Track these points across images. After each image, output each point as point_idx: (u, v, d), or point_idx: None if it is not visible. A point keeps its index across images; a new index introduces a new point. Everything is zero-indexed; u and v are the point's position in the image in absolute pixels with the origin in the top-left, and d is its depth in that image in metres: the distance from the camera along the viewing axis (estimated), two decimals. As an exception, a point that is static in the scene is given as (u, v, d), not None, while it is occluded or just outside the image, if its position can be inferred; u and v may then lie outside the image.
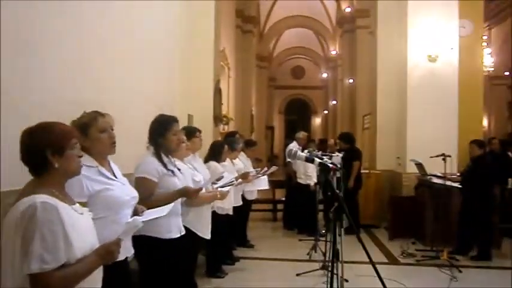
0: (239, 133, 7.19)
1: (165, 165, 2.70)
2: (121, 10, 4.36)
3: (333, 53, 19.23)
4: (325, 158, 4.30)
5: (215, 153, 4.66)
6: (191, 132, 4.00)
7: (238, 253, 5.73)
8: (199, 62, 7.52)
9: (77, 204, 1.74)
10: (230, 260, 5.22)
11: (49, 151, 1.58)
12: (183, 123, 6.33)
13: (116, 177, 2.16)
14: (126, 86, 4.42)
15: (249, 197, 5.84)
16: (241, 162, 5.68)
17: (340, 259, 3.07)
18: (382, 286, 4.48)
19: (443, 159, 5.33)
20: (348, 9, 14.06)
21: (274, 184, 8.58)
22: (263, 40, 19.97)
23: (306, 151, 6.39)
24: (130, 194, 2.17)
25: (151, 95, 5.23)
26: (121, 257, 2.09)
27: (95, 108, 3.47)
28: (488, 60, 10.89)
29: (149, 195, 2.61)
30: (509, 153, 7.92)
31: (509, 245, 6.01)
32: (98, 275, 1.72)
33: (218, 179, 3.05)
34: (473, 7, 7.86)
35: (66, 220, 1.53)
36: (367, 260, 5.57)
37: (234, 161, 5.39)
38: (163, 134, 2.76)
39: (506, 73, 18.51)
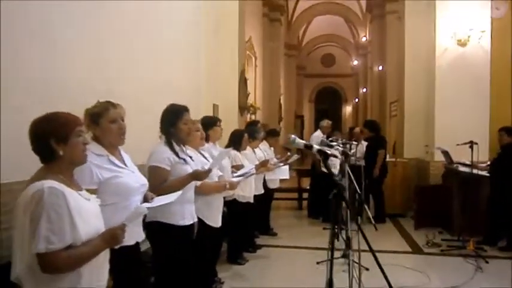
0: (262, 122, 7.22)
1: (176, 154, 2.77)
2: (148, 2, 4.46)
3: (363, 39, 18.79)
4: (337, 146, 4.29)
5: (235, 142, 4.72)
6: (211, 122, 4.06)
7: (261, 241, 5.80)
8: (225, 52, 7.58)
9: (84, 191, 1.82)
10: (252, 247, 5.29)
11: (53, 139, 1.66)
12: (208, 112, 6.47)
13: (126, 166, 2.24)
14: (152, 77, 4.55)
15: (271, 185, 5.88)
16: (263, 151, 5.70)
17: (353, 247, 3.02)
18: (405, 275, 4.46)
19: (471, 147, 5.17)
20: (378, -6, 13.68)
21: (299, 173, 8.59)
22: (292, 28, 19.75)
23: (329, 139, 6.40)
24: (140, 182, 2.24)
25: (177, 85, 5.34)
26: (130, 242, 2.19)
27: (123, 100, 3.63)
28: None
29: (161, 182, 2.69)
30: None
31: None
32: (104, 257, 1.80)
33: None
34: (508, -13, 7.50)
35: (72, 204, 1.62)
36: (390, 249, 5.56)
37: (255, 149, 5.43)
38: (174, 123, 2.82)
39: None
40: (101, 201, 1.95)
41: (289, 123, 18.90)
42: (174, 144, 2.81)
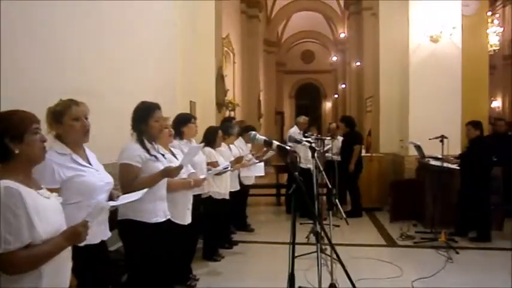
0: (239, 119, 7.21)
1: (148, 151, 2.76)
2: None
3: (342, 35, 18.96)
4: (307, 141, 4.33)
5: (209, 139, 4.71)
6: (185, 119, 4.05)
7: (238, 237, 5.82)
8: (201, 48, 7.56)
9: (44, 189, 1.80)
10: (228, 243, 5.31)
11: (8, 138, 1.63)
12: (185, 109, 6.45)
13: (90, 164, 2.22)
14: (126, 74, 4.52)
15: (246, 182, 5.89)
16: (238, 147, 5.71)
17: (321, 241, 3.06)
18: (379, 267, 4.54)
19: (441, 141, 5.29)
20: (355, -9, 13.82)
21: (277, 169, 8.63)
22: (271, 25, 19.78)
23: (305, 135, 6.45)
24: (105, 180, 2.23)
25: (152, 82, 5.31)
26: (95, 240, 2.18)
27: (96, 99, 3.60)
28: (494, 39, 10.59)
29: (133, 179, 2.68)
30: (514, 134, 7.80)
31: (511, 226, 5.96)
32: (66, 256, 1.78)
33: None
34: (477, -16, 7.68)
35: (29, 204, 1.59)
36: (365, 242, 5.64)
37: (230, 146, 5.44)
38: (145, 121, 2.81)
39: (521, 52, 18.07)
40: (64, 200, 1.93)
41: (269, 120, 18.96)
42: (146, 141, 2.80)
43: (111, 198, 2.26)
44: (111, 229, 2.44)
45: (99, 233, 2.20)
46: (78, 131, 2.17)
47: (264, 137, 2.46)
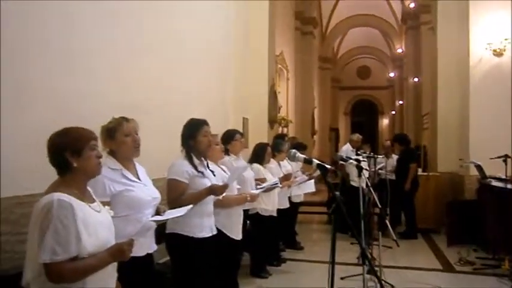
0: (291, 135, 7.21)
1: (195, 167, 2.85)
2: (177, 14, 4.65)
3: (399, 51, 18.49)
4: (356, 159, 4.24)
5: (258, 155, 4.77)
6: (229, 136, 4.12)
7: (287, 255, 5.77)
8: (254, 65, 7.69)
9: (96, 203, 1.91)
10: (276, 261, 5.28)
11: (68, 152, 1.76)
12: (237, 125, 6.57)
13: (139, 179, 2.33)
14: (179, 90, 4.71)
15: (295, 199, 5.86)
16: (290, 164, 5.70)
17: (371, 263, 2.97)
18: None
19: (505, 161, 4.97)
20: (412, 5, 13.47)
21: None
22: (326, 41, 19.72)
23: (357, 152, 6.33)
24: (152, 195, 2.33)
25: (205, 98, 5.49)
26: (141, 253, 2.27)
27: (149, 114, 3.80)
28: None
29: (180, 195, 2.78)
30: None
31: None
32: (112, 268, 1.87)
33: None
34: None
35: (79, 216, 1.69)
36: (420, 266, 5.39)
37: (281, 162, 5.45)
38: (193, 136, 2.90)
39: None
40: (114, 213, 2.04)
41: (323, 136, 18.77)
42: (194, 157, 2.88)
43: (157, 212, 2.35)
44: (159, 242, 2.53)
45: (145, 245, 2.29)
46: (129, 146, 2.30)
47: (304, 156, 2.46)
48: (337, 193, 2.16)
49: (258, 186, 4.01)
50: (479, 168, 5.56)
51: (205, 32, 5.51)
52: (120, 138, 2.29)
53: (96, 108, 3.04)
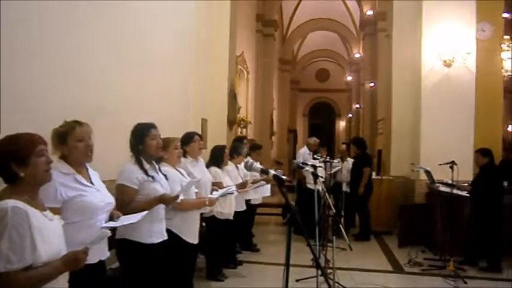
0: (249, 138, 7.25)
1: (145, 172, 2.79)
2: (136, 15, 4.53)
3: (357, 56, 19.01)
4: (312, 165, 4.33)
5: (216, 158, 4.75)
6: (187, 139, 4.07)
7: (243, 257, 5.79)
8: (214, 66, 7.64)
9: (48, 211, 1.84)
10: (233, 263, 5.28)
11: (13, 162, 1.69)
12: (196, 127, 6.50)
13: (92, 184, 2.26)
14: (138, 91, 4.59)
15: (254, 201, 5.88)
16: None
17: (324, 270, 3.03)
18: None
19: (451, 167, 5.22)
20: (370, 12, 13.90)
21: (286, 188, 8.60)
22: (286, 43, 19.97)
23: (314, 156, 6.44)
24: (106, 200, 2.26)
25: (165, 99, 5.39)
26: (93, 260, 2.20)
27: (108, 115, 3.68)
28: (509, 64, 10.46)
29: (129, 202, 2.71)
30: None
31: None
32: (63, 278, 1.81)
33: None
34: (493, 9, 7.61)
35: (34, 224, 1.64)
36: (372, 267, 5.55)
37: (239, 165, 5.45)
38: (141, 140, 2.85)
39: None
40: (65, 219, 1.97)
41: (282, 137, 18.99)
42: (144, 162, 2.82)
43: (111, 218, 2.29)
44: (110, 248, 2.46)
45: (97, 252, 2.22)
46: (82, 152, 2.22)
47: (260, 166, 2.48)
48: (293, 203, 2.19)
49: (215, 192, 3.99)
50: (428, 173, 5.80)
51: (166, 33, 5.42)
52: (72, 143, 2.20)
53: (53, 109, 2.91)
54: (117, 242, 2.73)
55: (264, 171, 2.39)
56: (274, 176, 2.23)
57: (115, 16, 4.08)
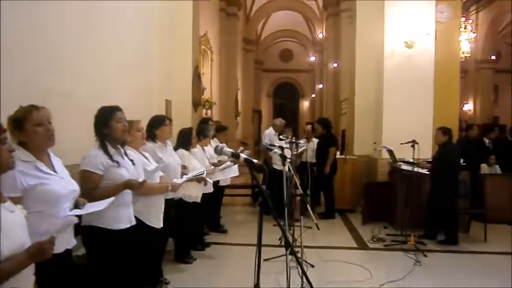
0: (214, 119, 7.19)
1: (110, 157, 2.71)
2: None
3: (320, 36, 19.12)
4: (280, 146, 4.35)
5: (184, 141, 4.68)
6: (158, 122, 3.99)
7: (211, 238, 5.80)
8: (178, 47, 7.48)
9: (8, 202, 1.75)
10: (200, 245, 5.28)
11: None
12: (161, 109, 6.38)
13: (55, 171, 2.17)
14: (99, 73, 4.43)
15: (222, 183, 5.87)
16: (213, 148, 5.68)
17: (293, 249, 3.08)
18: (348, 270, 4.62)
19: (412, 146, 5.39)
20: (333, -8, 13.94)
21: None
22: (250, 23, 19.77)
23: (280, 137, 6.47)
24: (70, 188, 2.18)
25: (128, 81, 5.24)
26: (60, 250, 2.13)
27: (71, 98, 3.54)
28: (466, 45, 10.85)
29: (93, 188, 2.63)
30: (486, 140, 8.03)
31: (478, 229, 6.12)
32: (28, 271, 1.74)
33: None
34: (452, -8, 7.82)
35: None
36: (337, 244, 5.70)
37: (205, 148, 5.41)
38: (106, 123, 2.76)
39: (493, 57, 18.63)
40: (27, 209, 1.89)
41: (246, 118, 18.97)
42: (109, 146, 2.74)
43: (76, 205, 2.22)
44: (76, 235, 2.39)
45: (63, 241, 2.16)
46: (41, 137, 2.12)
47: (231, 150, 2.46)
48: (263, 187, 2.19)
49: (185, 176, 3.94)
50: (390, 152, 5.97)
51: (128, 14, 5.24)
52: (30, 128, 2.10)
53: (8, 93, 2.75)
54: (84, 229, 2.65)
55: (234, 155, 2.37)
56: (246, 159, 2.22)
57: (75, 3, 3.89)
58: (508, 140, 8.50)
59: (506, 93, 21.26)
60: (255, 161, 2.23)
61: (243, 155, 2.28)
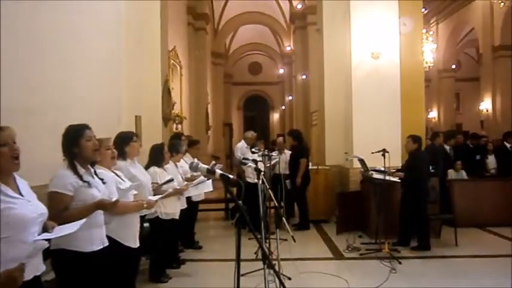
0: (186, 134, 7.13)
1: (80, 177, 2.61)
2: (63, 12, 4.25)
3: (288, 49, 19.38)
4: (254, 160, 4.34)
5: (156, 157, 4.60)
6: (126, 138, 3.89)
7: (186, 255, 5.69)
8: (146, 61, 7.40)
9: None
10: (176, 263, 5.17)
11: None
12: (130, 125, 6.25)
13: (21, 194, 2.07)
14: (68, 90, 4.34)
15: (195, 198, 5.79)
16: (187, 163, 5.60)
17: (271, 261, 3.05)
18: (324, 281, 4.61)
19: (383, 155, 5.49)
20: (299, 6, 14.19)
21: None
22: (218, 37, 19.84)
23: (252, 149, 6.46)
24: (37, 211, 2.08)
25: (96, 97, 5.13)
26: (28, 277, 2.01)
27: (37, 115, 3.41)
28: (429, 56, 11.25)
29: (63, 209, 2.52)
30: (446, 146, 8.25)
31: (449, 233, 6.26)
32: None
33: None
34: (413, 4, 8.05)
35: None
36: (313, 256, 5.69)
37: (178, 163, 5.32)
38: (76, 142, 2.66)
39: (453, 66, 19.39)
40: (-8, 235, 1.79)
41: (217, 131, 18.90)
42: (78, 166, 2.64)
43: (45, 229, 2.12)
44: (44, 259, 2.28)
45: (32, 267, 2.04)
46: (6, 157, 2.01)
47: (206, 166, 2.42)
48: (240, 202, 2.16)
49: (157, 195, 3.86)
50: (362, 161, 6.06)
51: (95, 28, 5.16)
52: None
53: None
54: (53, 253, 2.53)
55: (210, 172, 2.33)
56: (221, 175, 2.19)
57: (40, 14, 3.81)
58: (469, 147, 8.79)
59: (467, 100, 22.18)
60: (230, 176, 2.20)
61: (218, 171, 2.25)
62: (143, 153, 4.85)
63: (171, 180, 4.17)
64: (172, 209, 4.61)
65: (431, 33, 15.16)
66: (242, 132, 24.29)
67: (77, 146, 2.65)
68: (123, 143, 3.85)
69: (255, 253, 5.62)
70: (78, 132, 2.68)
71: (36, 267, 2.11)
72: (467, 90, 21.85)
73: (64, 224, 2.23)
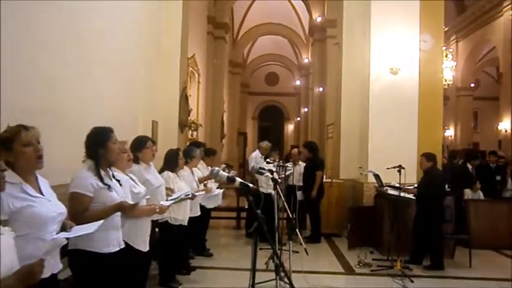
0: (201, 141, 7.17)
1: (101, 179, 2.65)
2: (85, 15, 4.36)
3: (306, 61, 19.41)
4: (270, 170, 4.34)
5: (170, 162, 4.63)
6: (140, 144, 3.91)
7: (196, 262, 5.69)
8: (166, 68, 7.52)
9: (-3, 224, 1.69)
10: (186, 269, 5.17)
11: None
12: (147, 130, 6.33)
13: (42, 193, 2.11)
14: (87, 92, 4.41)
15: (209, 205, 5.80)
16: (201, 171, 5.64)
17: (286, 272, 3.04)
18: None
19: (399, 171, 5.43)
20: (319, 19, 14.23)
21: (238, 192, 8.57)
22: (236, 46, 20.00)
23: (267, 160, 6.46)
24: (57, 210, 2.12)
25: (115, 101, 5.22)
26: (46, 274, 2.04)
27: (59, 117, 3.50)
28: (448, 73, 11.15)
29: (83, 210, 2.56)
30: (469, 166, 8.16)
31: (463, 254, 6.15)
32: None
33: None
34: (434, 22, 8.04)
35: None
36: (324, 269, 5.64)
37: (193, 169, 5.36)
38: (103, 144, 2.71)
39: (472, 85, 19.18)
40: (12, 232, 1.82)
41: (232, 140, 18.94)
42: (100, 168, 2.69)
43: (63, 228, 2.15)
44: (61, 257, 2.32)
45: (49, 265, 2.07)
46: (30, 157, 2.07)
47: (227, 174, 2.44)
48: (259, 211, 2.17)
49: (170, 198, 3.88)
50: (377, 177, 6.01)
51: (116, 34, 5.27)
52: (18, 148, 2.04)
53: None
54: (70, 253, 2.57)
55: (230, 180, 2.34)
56: (241, 183, 2.20)
57: (64, 16, 3.91)
58: (490, 167, 8.65)
59: (485, 119, 21.86)
60: (250, 185, 2.21)
61: (238, 179, 2.26)
62: (159, 159, 4.90)
63: (188, 194, 4.18)
64: (181, 215, 4.61)
65: (451, 50, 15.04)
66: (256, 142, 24.32)
67: (103, 148, 2.69)
68: (138, 147, 3.89)
69: (266, 263, 5.59)
70: (105, 135, 2.73)
71: (53, 266, 2.15)
72: (485, 109, 21.55)
73: (82, 224, 2.27)
